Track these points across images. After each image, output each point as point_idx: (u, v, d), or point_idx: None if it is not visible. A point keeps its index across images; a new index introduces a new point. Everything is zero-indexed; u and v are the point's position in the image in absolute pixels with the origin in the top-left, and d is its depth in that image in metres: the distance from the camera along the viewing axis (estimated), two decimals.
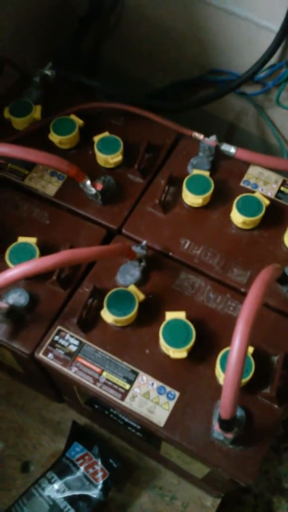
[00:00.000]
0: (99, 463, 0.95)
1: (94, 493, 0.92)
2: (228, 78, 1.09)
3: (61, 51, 1.19)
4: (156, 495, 0.98)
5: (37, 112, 0.91)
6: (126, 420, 0.79)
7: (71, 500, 0.92)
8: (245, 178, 0.87)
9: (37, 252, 0.78)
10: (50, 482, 0.95)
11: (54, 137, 0.88)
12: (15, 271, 0.63)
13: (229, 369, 0.56)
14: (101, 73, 1.37)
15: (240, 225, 0.81)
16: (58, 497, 0.93)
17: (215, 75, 1.11)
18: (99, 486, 0.92)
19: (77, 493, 0.93)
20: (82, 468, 0.95)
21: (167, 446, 0.77)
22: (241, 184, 0.87)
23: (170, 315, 0.72)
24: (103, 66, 1.36)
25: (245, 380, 0.68)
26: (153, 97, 1.23)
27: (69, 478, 0.94)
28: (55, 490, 0.93)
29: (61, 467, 0.96)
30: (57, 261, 0.64)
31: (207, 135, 0.90)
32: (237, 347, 0.56)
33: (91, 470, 0.94)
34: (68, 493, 0.93)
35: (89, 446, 0.97)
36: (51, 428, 1.04)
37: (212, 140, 0.85)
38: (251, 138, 1.22)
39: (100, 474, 0.93)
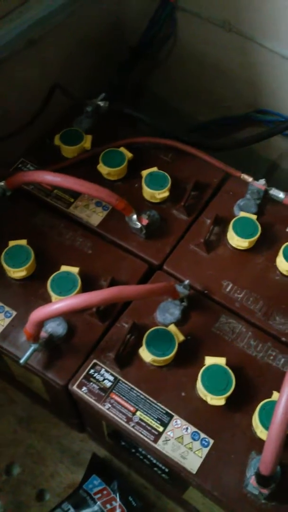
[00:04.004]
0: (118, 499, 0.93)
1: None
2: (276, 119, 1.10)
3: (109, 81, 1.21)
4: None
5: (87, 142, 0.92)
6: (154, 461, 0.77)
7: None
8: None
9: (79, 282, 0.77)
10: None
11: (103, 168, 0.89)
12: (61, 304, 0.63)
13: (273, 427, 0.55)
14: (144, 103, 1.39)
15: (285, 273, 0.80)
16: None
17: (263, 114, 1.12)
18: None
19: None
20: (99, 502, 0.93)
21: (194, 492, 0.75)
22: (287, 230, 0.86)
23: (209, 360, 0.71)
24: (147, 95, 1.37)
25: None
26: (197, 130, 1.24)
27: (85, 511, 0.92)
28: None
29: (78, 499, 0.94)
30: (105, 298, 0.64)
31: (246, 171, 0.90)
32: (283, 406, 0.54)
33: (108, 506, 0.92)
34: None
35: (108, 481, 0.95)
36: (70, 457, 1.02)
37: (261, 183, 0.85)
38: None
39: (118, 511, 0.91)
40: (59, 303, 0.63)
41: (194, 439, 0.69)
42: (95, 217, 0.88)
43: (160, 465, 0.77)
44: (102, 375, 0.74)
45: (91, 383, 0.73)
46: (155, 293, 0.71)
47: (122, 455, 0.97)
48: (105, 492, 0.94)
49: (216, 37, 1.08)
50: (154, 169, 0.88)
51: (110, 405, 0.71)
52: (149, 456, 0.77)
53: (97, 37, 1.17)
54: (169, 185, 0.87)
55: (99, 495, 0.94)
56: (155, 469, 0.80)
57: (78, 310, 0.64)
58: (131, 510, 0.92)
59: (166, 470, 0.77)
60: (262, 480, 0.62)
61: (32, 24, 0.95)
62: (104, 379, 0.73)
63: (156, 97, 1.35)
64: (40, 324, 0.67)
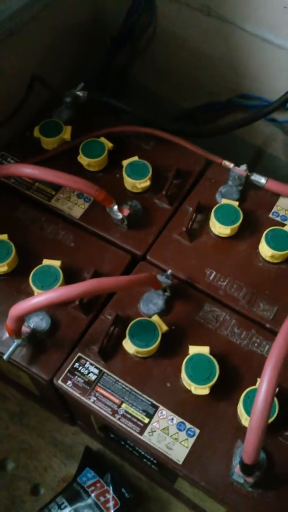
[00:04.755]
0: (111, 491, 0.93)
1: None
2: (259, 103, 1.08)
3: (92, 71, 1.19)
4: None
5: (67, 133, 0.91)
6: (143, 452, 0.77)
7: None
8: (274, 209, 0.85)
9: (61, 275, 0.76)
10: (60, 507, 0.93)
11: (83, 159, 0.88)
12: (40, 298, 0.62)
13: (254, 415, 0.55)
14: (129, 92, 1.37)
15: (268, 259, 0.79)
16: None
17: (246, 99, 1.10)
18: None
19: None
20: (93, 495, 0.93)
21: (183, 482, 0.75)
22: (270, 215, 0.85)
23: (193, 349, 0.71)
24: (131, 84, 1.36)
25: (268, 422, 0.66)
26: (181, 118, 1.23)
27: (79, 505, 0.92)
28: None
29: (72, 493, 0.94)
30: (83, 291, 0.63)
31: (233, 158, 0.89)
32: (263, 394, 0.54)
33: (102, 498, 0.92)
34: None
35: (101, 473, 0.95)
36: (63, 451, 1.02)
37: (242, 169, 0.84)
38: (278, 164, 1.20)
39: (111, 503, 0.91)
40: (38, 298, 0.62)
41: (179, 430, 0.69)
42: (77, 209, 0.87)
43: (149, 457, 0.77)
44: (86, 369, 0.73)
45: (76, 376, 0.73)
46: (136, 284, 0.71)
47: (113, 447, 0.97)
48: (98, 484, 0.94)
49: (196, 22, 1.07)
50: (135, 158, 0.87)
51: (95, 398, 0.71)
52: (137, 447, 0.77)
53: (77, 27, 1.15)
54: (150, 174, 0.85)
55: (92, 488, 0.94)
56: (145, 460, 0.80)
57: (57, 303, 0.63)
58: (124, 502, 0.92)
59: (155, 461, 0.76)
60: (246, 468, 0.61)
61: (12, 13, 0.93)
62: (89, 373, 0.73)
63: (140, 86, 1.33)
64: (20, 319, 0.66)
